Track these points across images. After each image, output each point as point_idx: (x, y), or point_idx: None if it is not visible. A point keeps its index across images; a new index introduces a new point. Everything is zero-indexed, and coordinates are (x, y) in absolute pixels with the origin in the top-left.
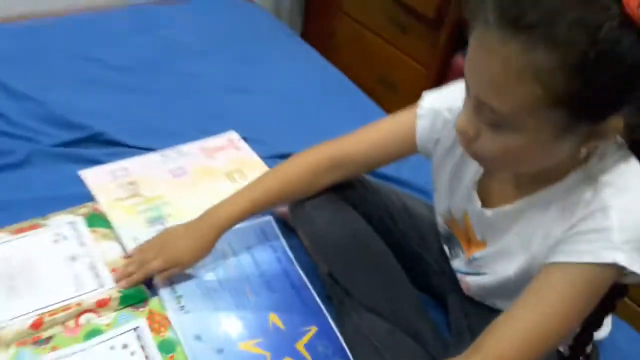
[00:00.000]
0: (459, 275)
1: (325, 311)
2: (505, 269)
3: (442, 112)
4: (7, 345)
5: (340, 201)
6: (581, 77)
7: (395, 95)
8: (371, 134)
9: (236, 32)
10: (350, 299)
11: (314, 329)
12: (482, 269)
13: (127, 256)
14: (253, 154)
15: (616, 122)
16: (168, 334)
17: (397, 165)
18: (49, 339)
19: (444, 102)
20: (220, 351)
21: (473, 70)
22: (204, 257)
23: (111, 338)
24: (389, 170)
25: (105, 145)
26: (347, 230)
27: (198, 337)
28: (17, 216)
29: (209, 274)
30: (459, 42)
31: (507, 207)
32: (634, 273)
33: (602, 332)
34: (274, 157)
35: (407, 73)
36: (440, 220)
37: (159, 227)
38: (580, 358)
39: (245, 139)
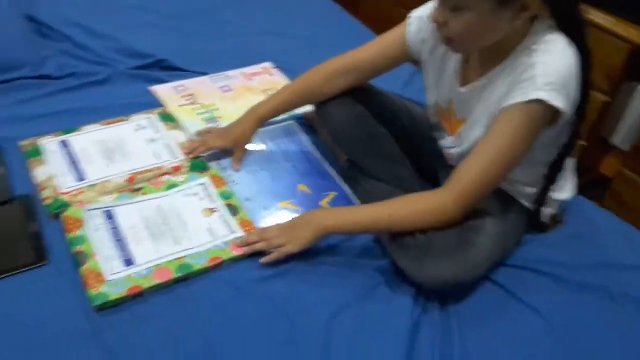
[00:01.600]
0: (445, 151)
1: (341, 181)
2: (475, 134)
3: (425, 17)
4: (110, 192)
5: (354, 101)
6: None
7: None
8: (373, 45)
9: None
10: (362, 175)
11: (333, 193)
12: (462, 140)
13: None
14: (283, 77)
15: None
16: (225, 188)
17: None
18: (140, 189)
19: (427, 10)
20: (266, 207)
21: None
22: (248, 140)
23: (185, 189)
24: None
25: (166, 70)
26: (360, 123)
27: (248, 199)
28: (105, 116)
29: (253, 159)
30: None
31: (474, 83)
32: (559, 108)
33: (565, 194)
34: None
35: None
36: (430, 112)
37: (212, 124)
38: (544, 214)
39: (277, 67)
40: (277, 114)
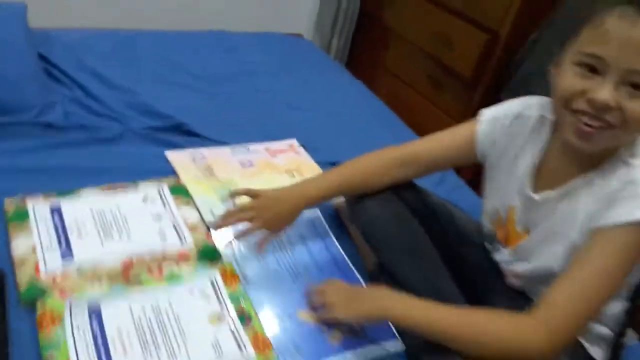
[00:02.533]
0: (502, 266)
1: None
2: (553, 250)
3: (500, 119)
4: (100, 279)
5: (392, 196)
6: None
7: None
8: (436, 140)
9: (294, 62)
10: (393, 285)
11: None
12: (528, 255)
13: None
14: (309, 158)
15: None
16: (238, 288)
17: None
18: (137, 278)
19: (502, 112)
20: (282, 318)
21: (624, 47)
22: (291, 224)
23: (190, 284)
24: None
25: (186, 135)
26: (398, 223)
27: (262, 303)
28: (111, 179)
29: (269, 256)
30: (492, 101)
31: (550, 192)
32: None
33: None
34: (326, 163)
35: (441, 128)
36: (486, 219)
37: (229, 205)
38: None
39: (303, 146)
40: (326, 200)
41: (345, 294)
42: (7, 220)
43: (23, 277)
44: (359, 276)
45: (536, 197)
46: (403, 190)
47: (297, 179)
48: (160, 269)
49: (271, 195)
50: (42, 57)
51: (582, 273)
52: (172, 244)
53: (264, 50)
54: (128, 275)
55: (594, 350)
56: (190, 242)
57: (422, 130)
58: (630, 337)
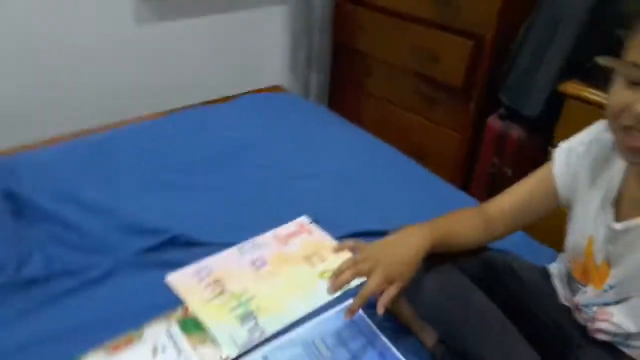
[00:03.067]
0: (594, 311)
1: None
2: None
3: (575, 148)
4: None
5: (451, 267)
6: None
7: (430, 164)
8: (514, 192)
9: (282, 122)
10: None
11: None
12: (616, 294)
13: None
14: (326, 236)
15: None
16: None
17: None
18: None
19: (576, 141)
20: None
21: None
22: (415, 272)
23: None
24: None
25: (185, 247)
26: (455, 292)
27: None
28: (111, 331)
29: None
30: (489, 106)
31: (635, 220)
32: None
33: None
34: (345, 237)
35: (441, 141)
36: (566, 261)
37: (250, 325)
38: None
39: (315, 222)
40: (439, 249)
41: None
42: None
43: None
44: None
45: (617, 226)
46: (461, 258)
47: (319, 266)
48: None
49: (386, 242)
50: (9, 195)
51: None
52: None
53: (246, 119)
54: None
55: None
56: None
57: (423, 149)
58: None
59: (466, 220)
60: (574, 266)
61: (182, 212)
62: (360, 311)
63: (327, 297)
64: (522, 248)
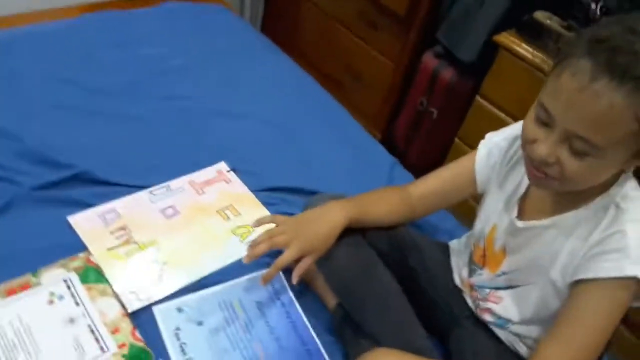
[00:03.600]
0: (486, 292)
1: (320, 346)
2: (532, 279)
3: (499, 142)
4: None
5: (361, 240)
6: None
7: (363, 88)
8: (436, 177)
9: (211, 43)
10: (357, 336)
11: None
12: (507, 280)
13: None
14: (244, 188)
15: None
16: None
17: None
18: None
19: (500, 135)
20: None
21: (569, 108)
22: (331, 244)
23: None
24: None
25: (90, 184)
26: (363, 270)
27: None
28: (6, 272)
29: (219, 334)
30: (427, 40)
31: (535, 222)
32: None
33: None
34: (264, 190)
35: (375, 67)
36: (469, 244)
37: (155, 277)
38: None
39: (234, 170)
40: (359, 224)
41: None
42: None
43: None
44: (317, 340)
45: (519, 224)
46: (371, 231)
47: (234, 220)
48: None
49: (304, 217)
50: None
51: (571, 331)
52: (92, 357)
53: (170, 34)
54: None
55: None
56: (113, 349)
57: (359, 73)
58: None
59: (388, 201)
60: (475, 249)
61: (90, 144)
62: (283, 280)
63: (238, 255)
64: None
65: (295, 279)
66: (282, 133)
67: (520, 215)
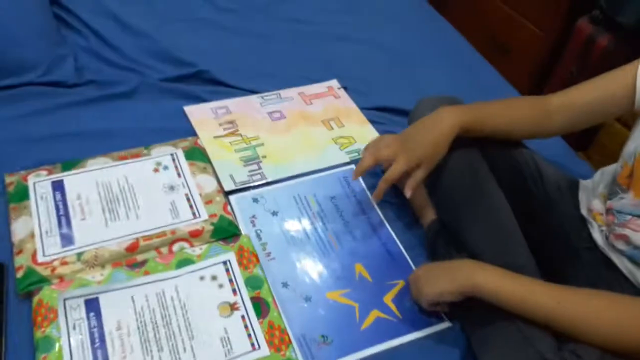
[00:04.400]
0: (626, 219)
1: (413, 266)
2: None
3: None
4: (103, 265)
5: (474, 149)
6: None
7: (509, 60)
8: (590, 84)
9: None
10: (454, 249)
11: (401, 283)
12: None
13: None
14: (352, 103)
15: None
16: (256, 271)
17: None
18: (142, 263)
19: None
20: (308, 299)
21: None
22: (443, 155)
23: (201, 269)
24: None
25: (208, 84)
26: (470, 177)
27: (285, 284)
28: (123, 143)
29: (293, 223)
30: (582, 6)
31: None
32: None
33: None
34: (372, 109)
35: (523, 37)
36: (619, 164)
37: (253, 168)
38: None
39: (345, 88)
40: (477, 132)
41: (431, 272)
42: (8, 201)
43: (20, 265)
44: (401, 248)
45: None
46: (488, 143)
47: (336, 131)
48: (170, 249)
49: (412, 127)
50: (54, 1)
51: None
52: (185, 220)
53: None
54: (133, 259)
55: None
56: (204, 217)
57: (502, 42)
58: None
59: (514, 107)
60: (622, 170)
61: (213, 51)
62: (361, 181)
63: (335, 161)
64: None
65: (408, 193)
66: (398, 58)
67: None
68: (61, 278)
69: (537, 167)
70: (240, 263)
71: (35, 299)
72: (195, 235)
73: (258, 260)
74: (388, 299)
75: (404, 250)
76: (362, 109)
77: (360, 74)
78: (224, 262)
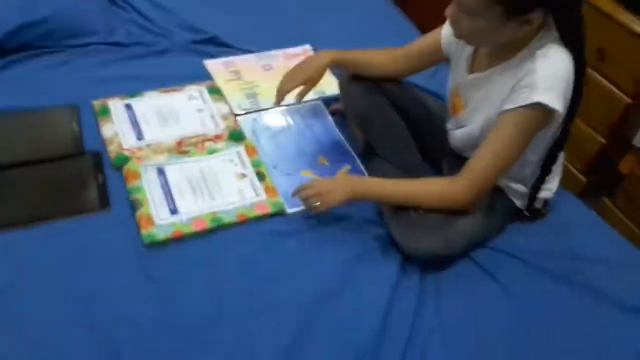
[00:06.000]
0: (450, 133)
1: (356, 156)
2: (478, 118)
3: None
4: (162, 151)
5: (377, 89)
6: None
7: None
8: (417, 43)
9: None
10: (376, 156)
11: (347, 167)
12: (464, 122)
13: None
14: None
15: (537, 16)
16: (256, 157)
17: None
18: (186, 151)
19: None
20: (288, 174)
21: None
22: (320, 77)
23: (224, 155)
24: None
25: (220, 46)
26: (379, 110)
27: (274, 167)
28: (164, 83)
29: (280, 134)
30: None
31: (480, 74)
32: (556, 110)
33: (549, 192)
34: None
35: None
36: (448, 96)
37: (252, 100)
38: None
39: (315, 50)
40: (342, 65)
41: (322, 194)
42: (96, 115)
43: (112, 151)
44: (348, 148)
45: (470, 77)
46: (385, 83)
47: None
48: (203, 145)
49: (302, 62)
50: None
51: (492, 146)
52: (210, 129)
53: None
54: (180, 149)
55: (518, 202)
56: (222, 127)
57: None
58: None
59: (377, 55)
60: (450, 104)
61: (223, 23)
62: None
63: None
64: None
65: (298, 99)
66: (358, 31)
67: (471, 72)
68: (138, 158)
69: (422, 97)
70: (247, 152)
71: (125, 168)
72: (218, 138)
73: (257, 152)
74: (340, 174)
75: (350, 148)
76: None
77: (324, 41)
78: (237, 152)
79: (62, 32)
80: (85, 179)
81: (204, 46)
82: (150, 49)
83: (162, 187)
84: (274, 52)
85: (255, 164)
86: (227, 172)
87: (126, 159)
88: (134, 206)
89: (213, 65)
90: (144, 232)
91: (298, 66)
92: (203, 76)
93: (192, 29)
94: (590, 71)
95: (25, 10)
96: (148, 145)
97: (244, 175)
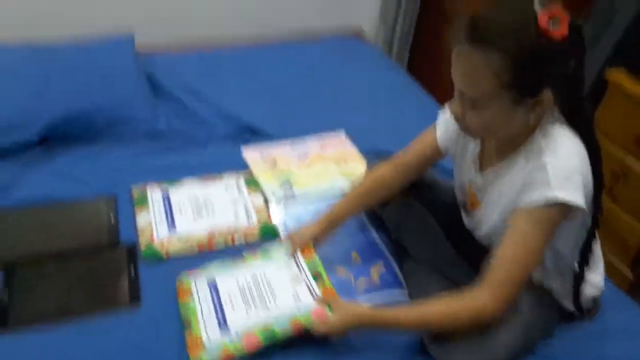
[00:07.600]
0: (472, 232)
1: (388, 254)
2: (492, 218)
3: (449, 122)
4: (192, 245)
5: (412, 199)
6: (519, 70)
7: None
8: (412, 147)
9: (355, 60)
10: (409, 258)
11: (380, 262)
12: (479, 223)
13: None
14: (354, 148)
15: (547, 94)
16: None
17: None
18: (241, 256)
19: (448, 111)
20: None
21: (455, 72)
22: (315, 242)
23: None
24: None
25: (258, 135)
26: (415, 219)
27: None
28: (204, 170)
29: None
30: None
31: (491, 169)
32: (575, 205)
33: (595, 289)
34: (369, 151)
35: None
36: (457, 193)
37: (287, 188)
38: (586, 298)
39: (350, 137)
40: (350, 214)
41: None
42: (134, 203)
43: (143, 241)
44: (382, 245)
45: (479, 176)
46: (414, 188)
47: (343, 167)
48: (232, 240)
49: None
50: (149, 79)
51: (512, 245)
52: (242, 222)
53: (326, 53)
54: (211, 242)
55: (565, 302)
56: (254, 221)
57: None
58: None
59: (380, 181)
60: (465, 201)
61: (261, 113)
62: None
63: (341, 188)
64: None
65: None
66: (391, 117)
67: (482, 170)
68: (167, 251)
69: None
70: (302, 253)
71: (177, 281)
72: (248, 231)
73: (314, 251)
74: (373, 271)
75: (384, 247)
76: (362, 152)
77: (358, 129)
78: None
79: (104, 122)
80: (118, 273)
81: (244, 136)
82: (191, 139)
83: (214, 301)
84: (308, 139)
85: (312, 266)
86: (282, 277)
87: (155, 253)
88: (184, 325)
89: (250, 154)
90: (193, 357)
91: (302, 229)
92: (241, 165)
93: (232, 119)
94: (629, 158)
95: (68, 102)
96: (178, 237)
97: (300, 279)
